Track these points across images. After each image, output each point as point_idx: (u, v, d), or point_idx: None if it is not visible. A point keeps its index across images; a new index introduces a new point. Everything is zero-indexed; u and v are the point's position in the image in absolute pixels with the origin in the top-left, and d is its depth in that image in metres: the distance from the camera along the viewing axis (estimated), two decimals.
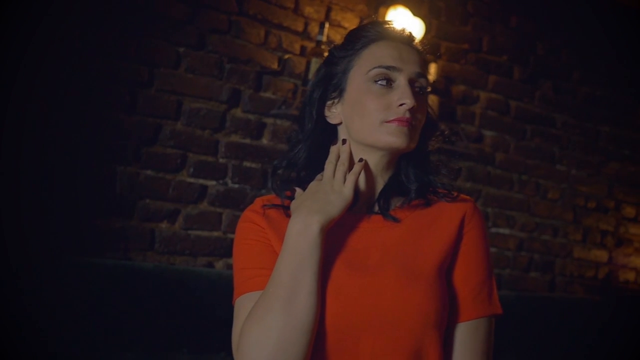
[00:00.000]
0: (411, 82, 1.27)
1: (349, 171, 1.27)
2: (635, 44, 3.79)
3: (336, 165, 1.28)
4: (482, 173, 3.23)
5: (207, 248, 2.54)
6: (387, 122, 1.25)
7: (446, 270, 1.25)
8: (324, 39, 2.70)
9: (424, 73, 1.30)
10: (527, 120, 3.39)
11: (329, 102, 1.33)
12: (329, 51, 1.37)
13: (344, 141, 1.31)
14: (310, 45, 2.76)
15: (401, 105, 1.24)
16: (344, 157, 1.29)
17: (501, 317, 1.25)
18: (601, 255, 3.66)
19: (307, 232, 1.18)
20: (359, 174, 1.26)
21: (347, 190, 1.23)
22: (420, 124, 1.30)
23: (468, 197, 1.31)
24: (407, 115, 1.24)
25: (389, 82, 1.26)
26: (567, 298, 3.50)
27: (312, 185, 1.26)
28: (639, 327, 3.63)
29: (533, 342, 3.10)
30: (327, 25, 2.75)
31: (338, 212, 1.21)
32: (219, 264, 2.56)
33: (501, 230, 3.29)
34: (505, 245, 3.29)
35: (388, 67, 1.26)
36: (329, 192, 1.23)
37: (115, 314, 2.21)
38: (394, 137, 1.24)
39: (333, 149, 1.30)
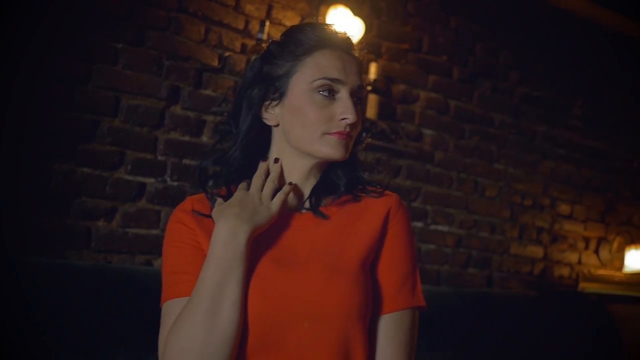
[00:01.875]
0: (352, 94, 1.29)
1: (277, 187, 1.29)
2: (571, 46, 3.90)
3: (264, 180, 1.30)
4: (422, 171, 3.28)
5: (145, 246, 2.52)
6: (328, 134, 1.27)
7: (371, 263, 1.28)
8: (265, 36, 2.71)
9: (363, 84, 1.34)
10: (465, 119, 3.46)
11: (266, 103, 1.34)
12: (269, 49, 1.38)
13: (276, 160, 1.33)
14: (251, 42, 2.76)
15: (343, 119, 1.27)
16: (274, 176, 1.31)
17: (424, 309, 1.28)
18: (537, 251, 3.76)
19: (233, 242, 1.19)
20: (288, 194, 1.29)
21: (275, 207, 1.26)
22: (356, 134, 1.33)
23: (393, 193, 1.34)
24: (348, 129, 1.28)
25: (332, 93, 1.29)
26: (504, 293, 3.58)
27: (238, 194, 1.27)
28: (573, 322, 3.74)
29: (471, 336, 3.16)
30: (268, 23, 2.76)
31: (264, 223, 1.24)
32: (158, 262, 2.55)
33: (440, 227, 3.35)
34: (444, 242, 3.36)
35: (332, 80, 1.28)
36: (257, 204, 1.25)
37: (50, 313, 2.18)
38: (333, 150, 1.28)
39: (262, 165, 1.32)
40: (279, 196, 1.27)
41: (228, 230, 1.20)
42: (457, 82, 3.45)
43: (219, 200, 1.28)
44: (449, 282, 3.37)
